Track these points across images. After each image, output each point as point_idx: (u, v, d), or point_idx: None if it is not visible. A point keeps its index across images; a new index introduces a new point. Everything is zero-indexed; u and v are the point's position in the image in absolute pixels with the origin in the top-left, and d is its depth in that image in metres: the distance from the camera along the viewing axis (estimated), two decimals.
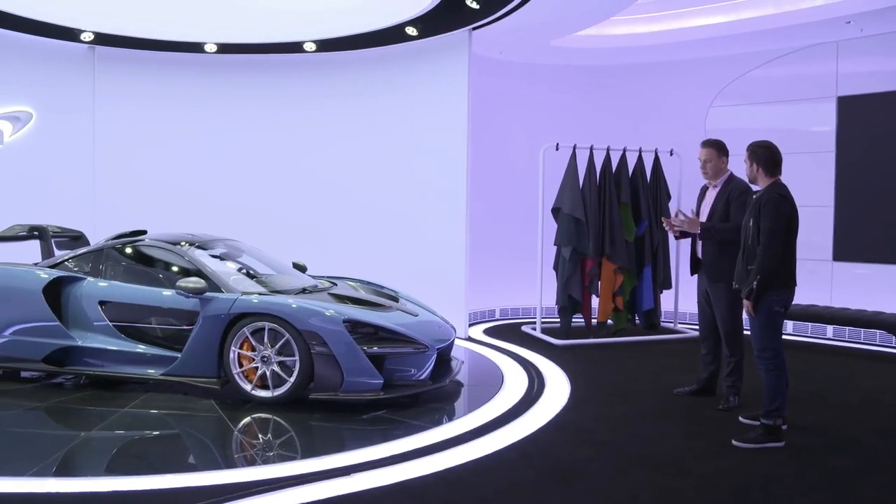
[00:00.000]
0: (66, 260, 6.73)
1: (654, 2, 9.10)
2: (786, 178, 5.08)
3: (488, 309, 10.36)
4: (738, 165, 5.46)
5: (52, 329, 6.28)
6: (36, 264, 6.84)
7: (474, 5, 7.76)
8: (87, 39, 9.27)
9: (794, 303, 5.17)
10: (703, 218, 5.86)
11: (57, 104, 9.57)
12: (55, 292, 6.40)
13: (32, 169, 9.33)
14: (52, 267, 6.66)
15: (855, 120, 9.05)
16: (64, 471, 4.48)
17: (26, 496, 3.96)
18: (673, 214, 6.12)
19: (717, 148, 5.86)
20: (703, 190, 6.08)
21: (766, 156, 5.02)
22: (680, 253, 9.02)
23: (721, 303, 5.75)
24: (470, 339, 8.75)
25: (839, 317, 8.32)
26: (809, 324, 9.04)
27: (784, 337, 5.13)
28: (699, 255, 5.95)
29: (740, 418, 5.40)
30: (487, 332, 9.27)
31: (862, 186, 8.99)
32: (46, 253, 7.51)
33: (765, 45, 9.42)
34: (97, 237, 7.55)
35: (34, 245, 7.61)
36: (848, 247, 9.08)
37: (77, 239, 7.90)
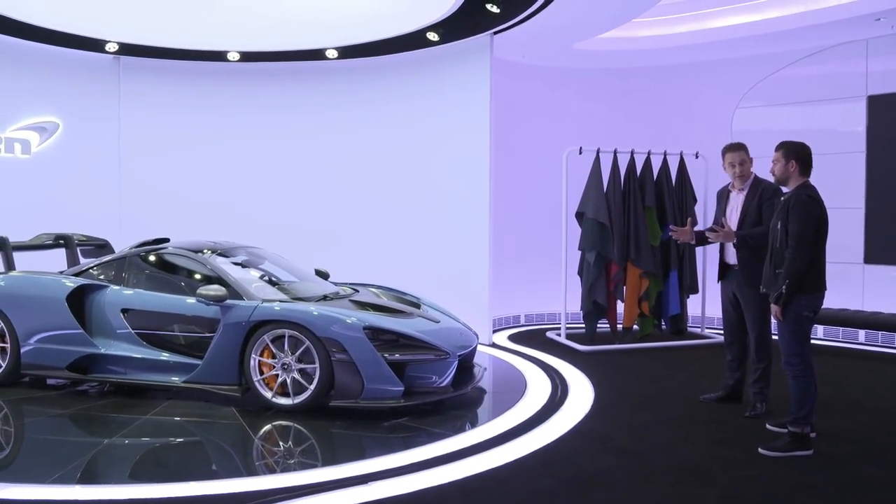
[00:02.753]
0: (91, 268, 6.79)
1: (677, 3, 8.99)
2: (815, 179, 4.98)
3: (513, 315, 10.29)
4: (764, 167, 5.36)
5: (75, 337, 6.32)
6: (61, 272, 6.90)
7: (494, 9, 7.72)
8: (112, 50, 9.36)
9: (824, 307, 5.06)
10: (733, 222, 5.75)
11: (83, 114, 9.68)
12: (79, 300, 6.45)
13: (59, 178, 9.44)
14: (77, 275, 6.72)
15: (886, 119, 8.86)
16: (87, 477, 4.49)
17: (49, 503, 3.97)
18: (688, 223, 6.05)
19: (747, 150, 5.79)
20: (724, 194, 5.98)
21: (803, 154, 4.92)
22: (707, 257, 8.90)
23: (752, 307, 5.64)
24: (494, 345, 8.69)
25: (871, 321, 8.16)
26: (840, 328, 8.88)
27: (814, 342, 5.03)
28: (727, 260, 5.85)
29: (767, 426, 5.29)
30: (512, 338, 9.20)
31: (894, 187, 8.79)
32: (72, 261, 7.60)
33: (792, 44, 9.28)
34: (122, 245, 7.60)
35: (60, 253, 7.71)
36: (879, 249, 8.89)
37: (102, 247, 7.99)
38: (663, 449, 4.86)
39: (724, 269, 5.91)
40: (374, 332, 5.61)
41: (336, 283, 7.19)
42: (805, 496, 4.06)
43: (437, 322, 6.34)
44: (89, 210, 9.41)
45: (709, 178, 8.91)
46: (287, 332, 5.61)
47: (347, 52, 9.39)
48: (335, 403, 5.56)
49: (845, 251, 8.83)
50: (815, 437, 4.91)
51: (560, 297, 8.80)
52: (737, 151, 5.80)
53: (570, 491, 4.14)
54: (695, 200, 8.92)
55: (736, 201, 5.80)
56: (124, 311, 6.33)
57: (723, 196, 5.99)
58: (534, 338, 9.17)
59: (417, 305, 6.76)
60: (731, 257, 5.81)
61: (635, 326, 8.70)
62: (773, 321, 5.10)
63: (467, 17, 8.06)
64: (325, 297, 6.42)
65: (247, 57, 9.63)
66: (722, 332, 6.17)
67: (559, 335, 8.92)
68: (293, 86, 10.04)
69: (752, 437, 5.07)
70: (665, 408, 5.93)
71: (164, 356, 6.15)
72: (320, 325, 5.54)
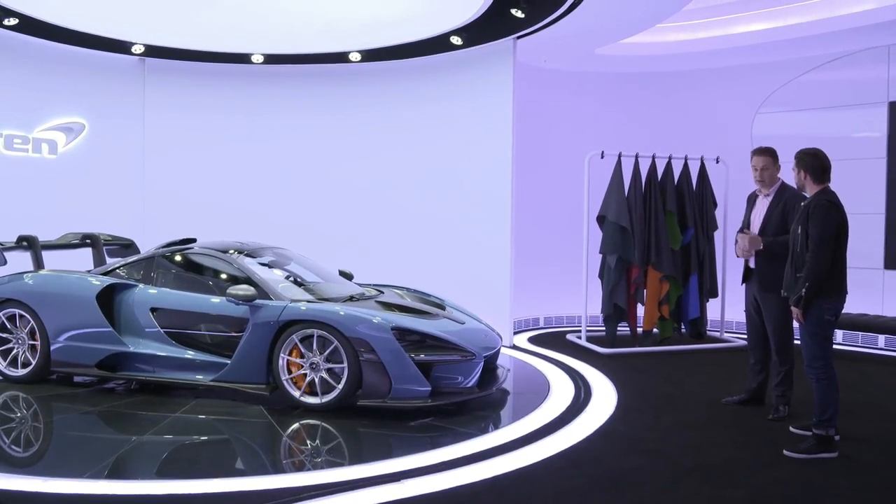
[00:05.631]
0: (118, 267, 6.87)
1: (700, 9, 9.02)
2: (836, 185, 5.00)
3: (532, 317, 10.33)
4: (786, 173, 5.39)
5: (105, 335, 6.40)
6: (89, 272, 6.99)
7: (519, 14, 7.77)
8: (138, 52, 9.47)
9: (844, 312, 5.09)
10: (756, 227, 5.79)
11: (108, 115, 9.78)
12: (108, 299, 6.52)
13: (85, 178, 9.54)
14: (104, 274, 6.80)
15: None
16: (117, 474, 4.57)
17: (81, 497, 4.05)
18: (735, 237, 6.02)
19: (772, 155, 5.78)
20: (752, 198, 6.01)
21: (813, 163, 4.95)
22: (727, 261, 8.92)
23: (773, 312, 5.67)
24: (515, 347, 8.74)
25: (891, 326, 8.17)
26: (860, 333, 8.87)
27: (834, 346, 5.04)
28: (750, 264, 5.88)
29: (791, 428, 5.32)
30: (532, 340, 9.24)
31: None
32: (98, 260, 7.69)
33: (813, 50, 9.29)
34: (146, 245, 7.69)
35: (86, 252, 7.80)
36: None
37: (127, 247, 8.07)
38: (689, 450, 4.91)
39: (748, 273, 5.95)
40: (401, 333, 5.66)
41: (360, 285, 7.25)
42: (831, 498, 4.10)
43: (462, 323, 6.39)
44: (114, 210, 9.51)
45: (729, 183, 8.94)
46: (316, 331, 5.67)
47: (371, 55, 9.46)
48: (362, 403, 5.61)
49: (865, 257, 8.84)
50: (839, 440, 4.92)
51: (580, 300, 8.84)
52: (760, 156, 5.80)
53: (600, 490, 4.19)
54: (715, 205, 8.94)
55: (761, 206, 5.82)
56: (153, 309, 6.40)
57: (751, 200, 6.01)
58: (554, 340, 9.20)
59: (442, 307, 6.81)
60: (754, 261, 5.85)
61: (655, 330, 8.72)
62: (795, 325, 5.13)
63: (491, 22, 8.12)
64: (351, 298, 6.49)
65: (270, 59, 9.71)
66: (741, 335, 6.20)
67: (579, 338, 8.95)
68: (316, 88, 10.12)
69: (775, 439, 5.10)
70: (688, 410, 5.96)
71: (192, 355, 6.22)
72: (349, 325, 5.60)
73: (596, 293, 8.89)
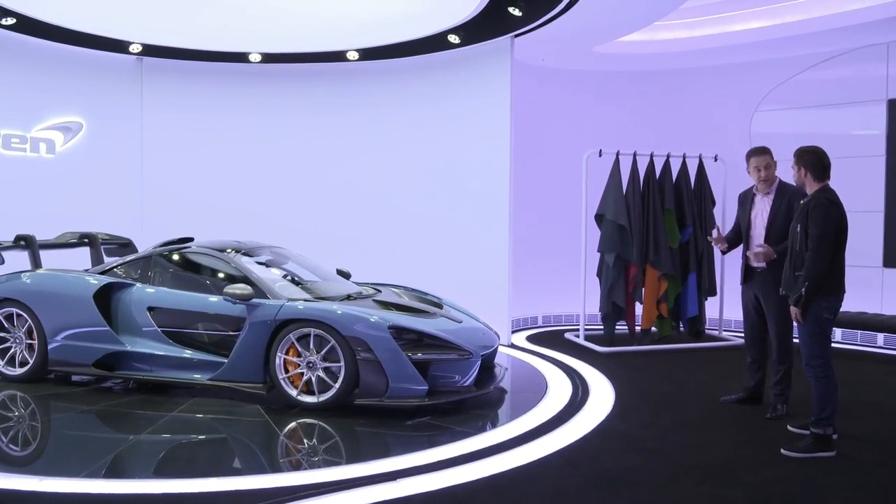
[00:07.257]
0: (116, 267, 6.87)
1: (697, 6, 9.01)
2: (835, 182, 5.00)
3: (531, 316, 10.33)
4: (785, 171, 5.39)
5: (102, 334, 6.40)
6: (86, 271, 6.98)
7: (517, 13, 7.76)
8: (136, 51, 9.45)
9: (843, 310, 5.09)
10: (759, 226, 5.79)
11: (106, 114, 9.76)
12: (105, 298, 6.52)
13: (82, 177, 9.52)
14: (102, 273, 6.80)
15: None
16: (114, 473, 4.57)
17: (79, 496, 4.05)
18: (714, 234, 6.08)
19: (771, 153, 5.80)
20: (747, 197, 5.99)
21: (813, 161, 4.95)
22: (725, 260, 8.91)
23: (775, 310, 5.67)
24: (513, 345, 8.73)
25: (890, 324, 8.15)
26: (859, 332, 8.86)
27: (832, 345, 5.04)
28: (751, 263, 5.86)
29: (789, 427, 5.32)
30: (530, 339, 9.23)
31: None
32: (96, 260, 7.69)
33: (812, 48, 9.28)
34: (144, 244, 7.69)
35: (84, 252, 7.79)
36: None
37: (125, 246, 8.07)
38: (687, 449, 4.90)
39: (748, 272, 5.93)
40: (399, 332, 5.66)
41: (358, 283, 7.24)
42: (830, 497, 4.09)
43: (460, 322, 6.38)
44: (112, 209, 9.50)
45: (727, 181, 8.94)
46: (313, 330, 5.67)
47: (368, 54, 9.45)
48: (359, 402, 5.61)
49: (864, 255, 8.82)
50: (837, 439, 4.93)
51: (578, 299, 8.84)
52: (762, 155, 5.80)
53: (597, 489, 4.18)
54: (713, 203, 8.93)
55: (762, 205, 5.81)
56: (150, 308, 6.40)
57: (746, 199, 5.99)
58: (552, 339, 9.19)
59: (439, 305, 6.80)
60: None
61: (653, 328, 8.71)
62: (794, 323, 5.12)
63: (489, 20, 8.11)
64: (348, 297, 6.48)
65: (268, 58, 9.69)
66: (739, 334, 6.19)
67: (577, 336, 8.95)
68: (314, 88, 10.10)
69: (774, 438, 5.09)
70: (686, 409, 5.95)
71: (190, 354, 6.22)
72: (345, 323, 5.60)
73: (594, 292, 8.88)
